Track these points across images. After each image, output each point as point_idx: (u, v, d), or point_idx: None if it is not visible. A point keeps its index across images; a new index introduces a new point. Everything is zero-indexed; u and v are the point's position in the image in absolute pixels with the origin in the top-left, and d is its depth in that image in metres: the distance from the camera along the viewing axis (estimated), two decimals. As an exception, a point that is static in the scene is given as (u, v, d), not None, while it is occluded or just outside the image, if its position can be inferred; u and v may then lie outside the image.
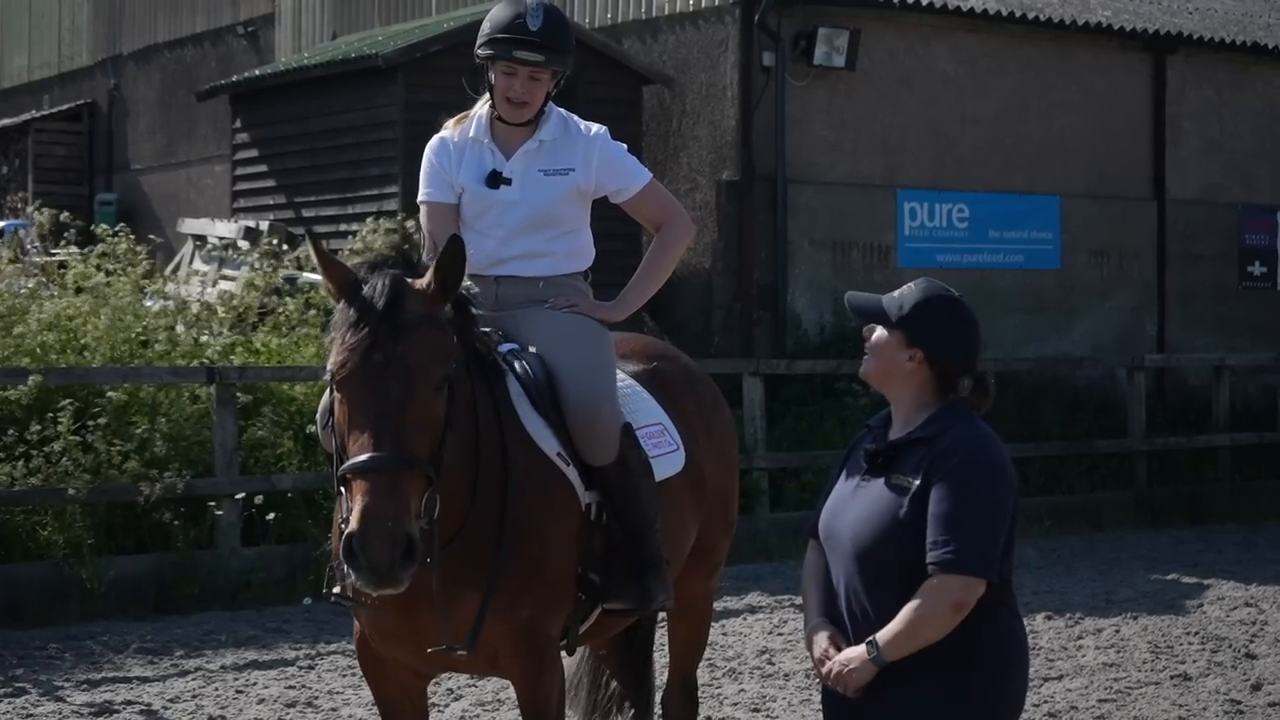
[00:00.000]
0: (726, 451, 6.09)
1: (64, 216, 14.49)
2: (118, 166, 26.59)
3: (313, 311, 13.14)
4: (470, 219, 5.43)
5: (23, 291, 12.86)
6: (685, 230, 5.66)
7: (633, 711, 6.14)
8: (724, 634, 9.96)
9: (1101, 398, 17.17)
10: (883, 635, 4.04)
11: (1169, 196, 18.87)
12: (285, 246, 15.49)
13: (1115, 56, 18.58)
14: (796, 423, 14.81)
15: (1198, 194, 19.12)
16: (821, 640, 4.17)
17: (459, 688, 8.50)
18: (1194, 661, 9.39)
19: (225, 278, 16.17)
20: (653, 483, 5.34)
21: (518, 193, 5.37)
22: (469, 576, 4.73)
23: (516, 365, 5.17)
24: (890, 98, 17.22)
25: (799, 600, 10.22)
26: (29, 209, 21.09)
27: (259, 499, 11.35)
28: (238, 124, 19.56)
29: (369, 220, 14.70)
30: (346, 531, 4.25)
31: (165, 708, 8.30)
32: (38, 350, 11.71)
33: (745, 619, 10.60)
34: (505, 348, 5.23)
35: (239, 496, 11.30)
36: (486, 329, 5.14)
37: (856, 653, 4.08)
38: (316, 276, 4.67)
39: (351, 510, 4.26)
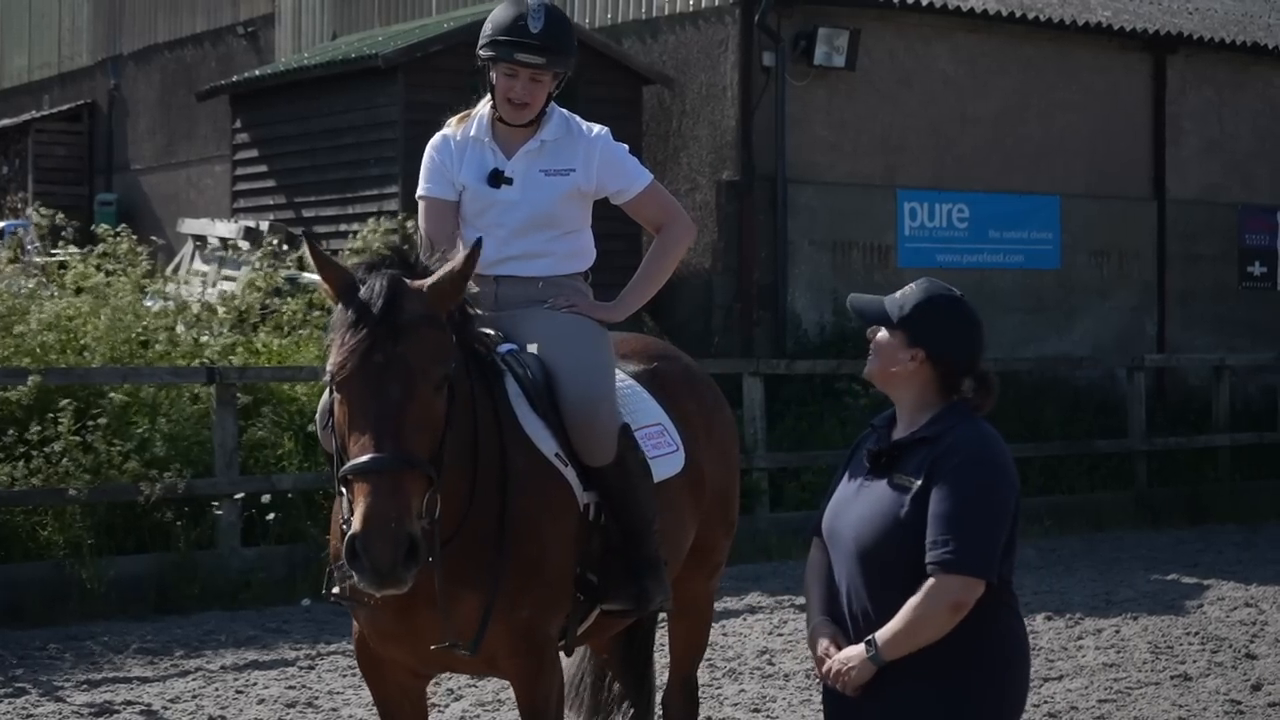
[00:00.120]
0: (727, 452, 6.09)
1: (60, 217, 14.47)
2: (118, 166, 26.59)
3: (317, 312, 13.15)
4: (470, 218, 5.43)
5: (23, 292, 12.86)
6: (686, 232, 5.66)
7: (633, 712, 6.14)
8: (724, 634, 9.96)
9: (1101, 398, 17.18)
10: (882, 634, 4.04)
11: (1169, 196, 18.88)
12: (285, 247, 15.50)
13: (1115, 56, 18.58)
14: (796, 423, 14.81)
15: (1198, 194, 19.12)
16: (822, 639, 4.18)
17: (459, 688, 8.50)
18: (1194, 662, 9.39)
19: (226, 278, 16.17)
20: (651, 484, 5.34)
21: (518, 193, 5.37)
22: (467, 576, 4.72)
23: (515, 365, 5.17)
24: (890, 98, 17.22)
25: (799, 601, 10.24)
26: (29, 209, 21.08)
27: (267, 498, 11.35)
28: (238, 124, 19.57)
29: (370, 220, 14.71)
30: (349, 533, 4.25)
31: (165, 708, 8.30)
32: (38, 350, 11.71)
33: (745, 619, 10.60)
34: (504, 348, 5.23)
35: (239, 496, 11.31)
36: (486, 329, 5.14)
37: (856, 652, 4.08)
38: (317, 277, 4.66)
39: (354, 511, 4.26)
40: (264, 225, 17.49)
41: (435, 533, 4.48)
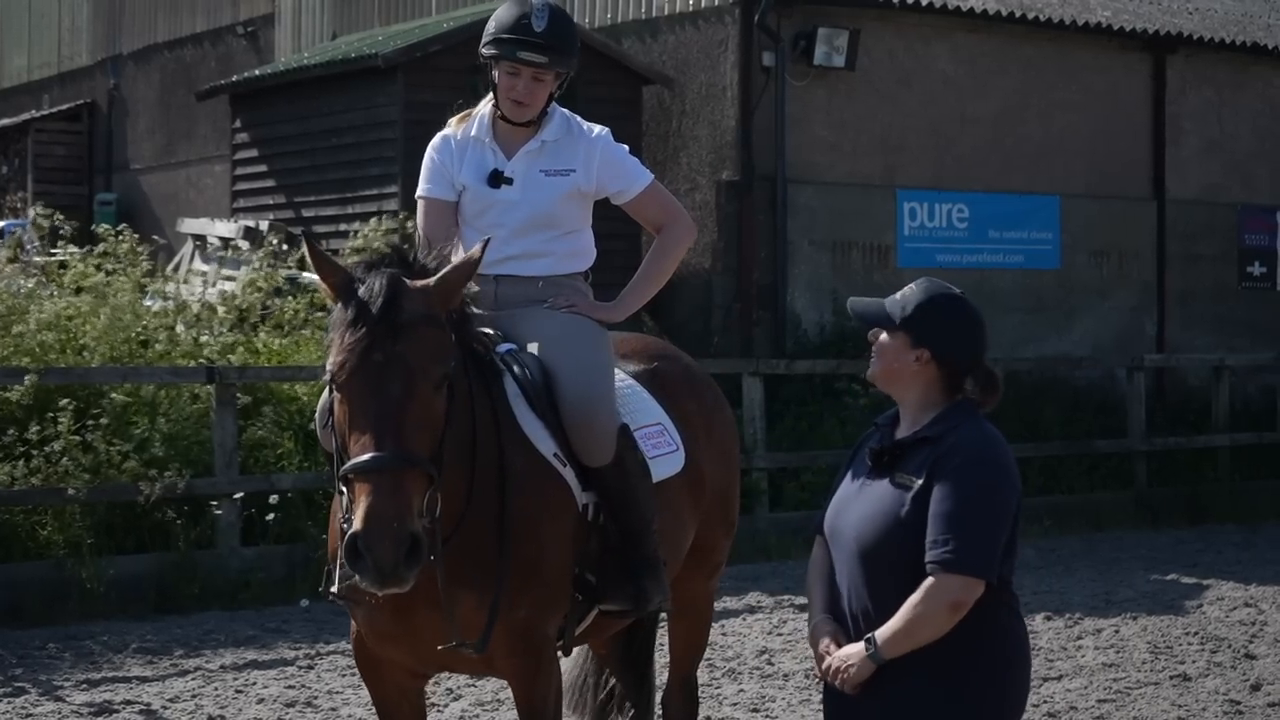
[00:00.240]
0: (727, 452, 6.08)
1: (57, 218, 14.47)
2: (117, 166, 26.59)
3: (317, 313, 13.15)
4: (471, 218, 5.43)
5: (22, 291, 12.85)
6: (686, 232, 5.65)
7: (633, 712, 6.14)
8: (724, 634, 9.96)
9: (1101, 398, 17.18)
10: (881, 633, 4.04)
11: (1169, 196, 18.87)
12: (285, 247, 15.50)
13: (1115, 56, 18.58)
14: (796, 423, 14.81)
15: (1198, 194, 19.12)
16: (823, 638, 4.18)
17: (458, 688, 8.50)
18: (1193, 662, 9.39)
19: (226, 278, 16.17)
20: (650, 484, 5.33)
21: (519, 193, 5.37)
22: (465, 576, 4.72)
23: (514, 365, 5.17)
24: (890, 98, 17.22)
25: (799, 600, 10.24)
26: (29, 209, 21.07)
27: (272, 498, 11.35)
28: (237, 124, 19.57)
29: (370, 220, 14.71)
30: (350, 532, 4.24)
31: (165, 707, 8.30)
32: (37, 350, 11.70)
33: (745, 619, 10.60)
34: (503, 348, 5.23)
35: (238, 496, 11.31)
36: (485, 328, 5.14)
37: (855, 650, 4.08)
38: (316, 276, 4.66)
39: (355, 510, 4.25)
40: (264, 225, 17.49)
41: (437, 531, 4.48)
